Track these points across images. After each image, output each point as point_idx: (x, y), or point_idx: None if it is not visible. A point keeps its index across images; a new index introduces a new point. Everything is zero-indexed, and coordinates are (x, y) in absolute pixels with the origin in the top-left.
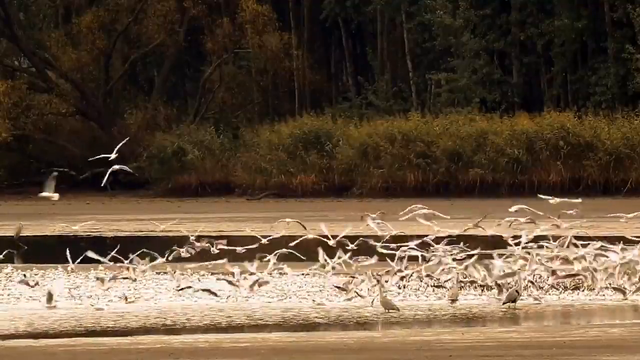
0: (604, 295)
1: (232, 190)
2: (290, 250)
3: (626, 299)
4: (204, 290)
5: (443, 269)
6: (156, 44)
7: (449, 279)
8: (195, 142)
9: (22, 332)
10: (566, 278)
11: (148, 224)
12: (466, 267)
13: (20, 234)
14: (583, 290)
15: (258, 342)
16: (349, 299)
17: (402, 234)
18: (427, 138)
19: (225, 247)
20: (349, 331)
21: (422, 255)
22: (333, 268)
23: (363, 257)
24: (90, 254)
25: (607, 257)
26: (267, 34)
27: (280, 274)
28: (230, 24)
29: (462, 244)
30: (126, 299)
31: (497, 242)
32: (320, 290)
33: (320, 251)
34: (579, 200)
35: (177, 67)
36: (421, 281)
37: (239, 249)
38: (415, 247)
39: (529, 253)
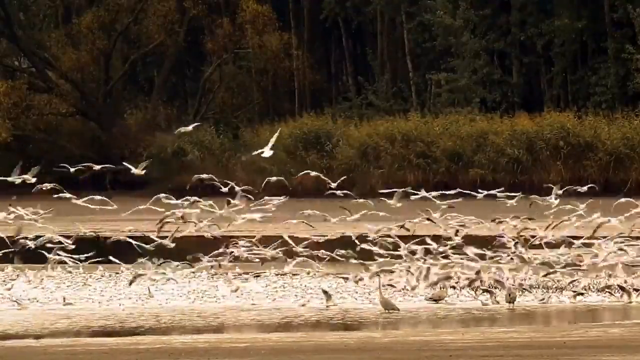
0: (604, 295)
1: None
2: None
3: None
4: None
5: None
6: (156, 44)
7: (437, 280)
8: (195, 142)
9: (22, 332)
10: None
11: (149, 223)
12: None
13: (20, 234)
14: (583, 291)
15: (258, 342)
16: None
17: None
18: (427, 138)
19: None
20: (349, 331)
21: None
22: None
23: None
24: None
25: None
26: (267, 34)
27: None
28: (230, 24)
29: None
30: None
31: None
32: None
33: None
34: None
35: (177, 67)
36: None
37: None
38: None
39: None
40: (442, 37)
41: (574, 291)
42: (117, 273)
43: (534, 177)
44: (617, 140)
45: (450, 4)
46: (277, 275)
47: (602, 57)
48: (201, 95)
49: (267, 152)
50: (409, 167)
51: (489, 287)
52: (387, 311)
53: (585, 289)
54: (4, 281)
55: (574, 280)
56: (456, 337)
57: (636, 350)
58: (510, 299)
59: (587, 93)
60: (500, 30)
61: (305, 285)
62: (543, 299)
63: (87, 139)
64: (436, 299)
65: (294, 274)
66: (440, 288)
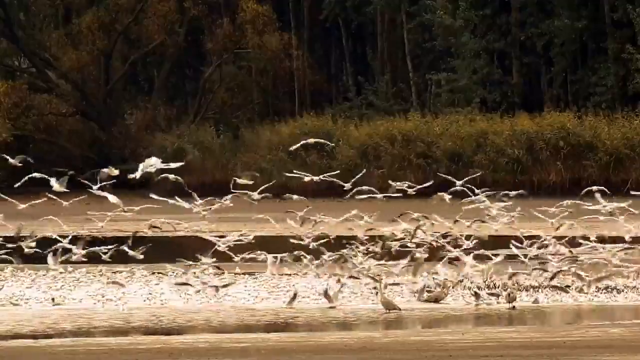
0: (604, 295)
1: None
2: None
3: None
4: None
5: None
6: (156, 44)
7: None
8: (195, 142)
9: (22, 332)
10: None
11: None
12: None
13: (20, 234)
14: (582, 291)
15: (258, 342)
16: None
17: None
18: (427, 138)
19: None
20: (349, 331)
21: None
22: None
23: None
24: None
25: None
26: (267, 34)
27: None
28: (230, 24)
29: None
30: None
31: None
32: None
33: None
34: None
35: (177, 67)
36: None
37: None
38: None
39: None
40: (442, 37)
41: (578, 292)
42: (115, 273)
43: (534, 177)
44: (617, 140)
45: (450, 4)
46: (274, 275)
47: (602, 57)
48: (201, 95)
49: (154, 162)
50: (409, 167)
51: (491, 287)
52: (387, 311)
53: (584, 289)
54: (0, 281)
55: (574, 280)
56: (456, 337)
57: (636, 350)
58: (510, 299)
59: (587, 93)
60: (500, 30)
61: (303, 285)
62: (542, 299)
63: (87, 139)
64: (435, 300)
65: (292, 274)
66: (440, 288)
